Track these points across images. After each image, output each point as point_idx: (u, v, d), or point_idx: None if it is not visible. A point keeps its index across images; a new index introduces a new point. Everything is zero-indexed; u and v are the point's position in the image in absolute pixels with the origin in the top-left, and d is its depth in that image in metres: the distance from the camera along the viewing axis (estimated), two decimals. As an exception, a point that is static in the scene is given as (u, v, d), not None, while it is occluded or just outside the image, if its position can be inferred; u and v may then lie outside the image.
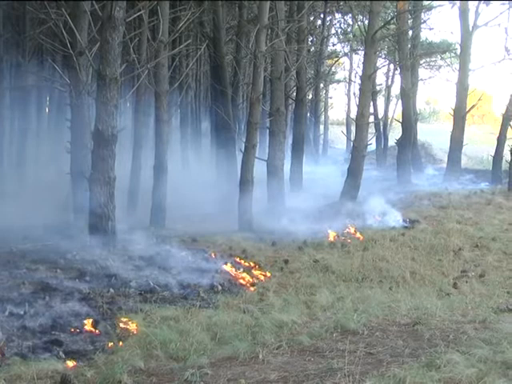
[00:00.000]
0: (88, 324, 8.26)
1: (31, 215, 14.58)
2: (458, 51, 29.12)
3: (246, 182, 15.98)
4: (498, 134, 27.97)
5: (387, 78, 43.03)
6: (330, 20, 38.41)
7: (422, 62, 36.64)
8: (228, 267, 11.83)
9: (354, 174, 19.80)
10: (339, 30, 41.72)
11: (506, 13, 28.51)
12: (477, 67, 29.44)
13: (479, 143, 42.99)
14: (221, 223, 15.49)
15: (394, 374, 5.63)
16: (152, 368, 6.61)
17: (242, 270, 11.83)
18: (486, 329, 7.40)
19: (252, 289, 10.82)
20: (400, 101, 30.99)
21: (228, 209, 16.27)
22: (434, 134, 44.34)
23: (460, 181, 27.57)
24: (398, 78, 36.37)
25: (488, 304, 9.51)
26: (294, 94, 24.97)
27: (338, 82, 51.23)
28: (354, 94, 44.45)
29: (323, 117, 48.67)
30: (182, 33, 21.81)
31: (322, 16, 34.26)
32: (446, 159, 29.80)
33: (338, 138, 51.35)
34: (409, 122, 27.84)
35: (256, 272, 11.89)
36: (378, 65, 29.65)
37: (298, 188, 22.53)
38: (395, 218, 16.91)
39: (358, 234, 15.01)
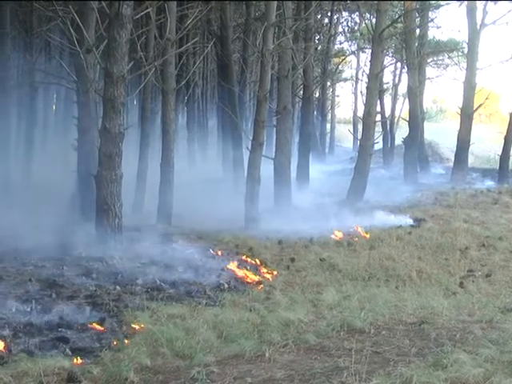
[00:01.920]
0: (94, 321, 8.28)
1: (38, 212, 14.61)
2: (466, 50, 28.95)
3: (252, 179, 15.99)
4: (505, 133, 27.85)
5: (394, 76, 42.82)
6: (337, 18, 38.41)
7: (429, 60, 36.42)
8: (234, 265, 11.84)
9: (360, 172, 19.80)
10: (346, 29, 41.75)
11: (515, 11, 28.30)
12: (484, 66, 29.40)
13: (486, 142, 42.78)
14: (227, 221, 15.48)
15: (400, 373, 5.61)
16: (158, 366, 6.62)
17: (248, 268, 11.83)
18: (492, 328, 7.38)
19: (258, 287, 10.80)
20: (407, 99, 30.87)
21: (234, 207, 16.26)
22: (440, 132, 44.12)
23: (467, 180, 27.46)
24: (405, 77, 36.17)
25: (495, 303, 9.49)
26: (301, 92, 24.94)
27: (345, 80, 51.27)
28: (361, 92, 44.25)
29: (330, 115, 48.65)
30: (190, 31, 21.80)
31: (329, 14, 34.30)
32: (452, 158, 29.66)
33: (344, 136, 51.24)
34: (416, 120, 27.74)
35: (262, 270, 11.88)
36: (385, 63, 29.61)
37: (305, 186, 22.50)
38: (401, 218, 16.89)
39: (364, 233, 14.98)
